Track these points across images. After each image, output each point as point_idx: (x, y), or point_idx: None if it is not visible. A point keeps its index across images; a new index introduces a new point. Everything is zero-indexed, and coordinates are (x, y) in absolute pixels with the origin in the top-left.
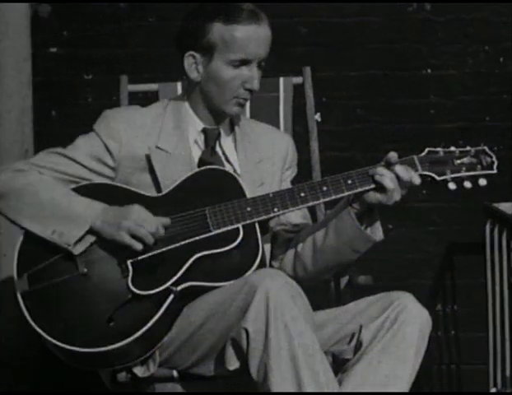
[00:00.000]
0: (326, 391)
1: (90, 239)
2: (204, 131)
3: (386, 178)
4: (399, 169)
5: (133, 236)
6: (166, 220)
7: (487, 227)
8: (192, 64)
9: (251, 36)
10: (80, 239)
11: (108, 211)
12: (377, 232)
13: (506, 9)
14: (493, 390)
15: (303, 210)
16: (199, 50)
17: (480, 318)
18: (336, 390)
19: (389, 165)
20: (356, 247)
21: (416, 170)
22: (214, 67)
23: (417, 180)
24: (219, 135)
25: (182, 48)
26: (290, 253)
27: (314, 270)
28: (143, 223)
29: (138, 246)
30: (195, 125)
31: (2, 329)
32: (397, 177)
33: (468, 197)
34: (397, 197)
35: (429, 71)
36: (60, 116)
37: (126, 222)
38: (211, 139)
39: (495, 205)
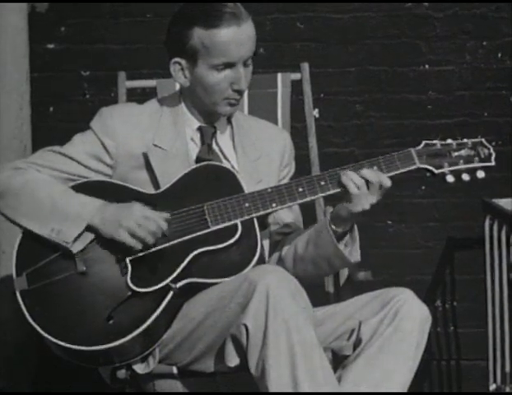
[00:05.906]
0: (323, 388)
1: (89, 236)
2: (200, 129)
3: (351, 183)
4: (367, 172)
5: (133, 236)
6: (167, 216)
7: (487, 223)
8: (178, 71)
9: (232, 40)
10: (78, 237)
11: (107, 208)
12: (354, 253)
13: (505, 5)
14: (493, 386)
15: (295, 212)
16: (184, 56)
17: (479, 313)
18: (334, 387)
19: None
20: (332, 263)
21: (414, 164)
22: (199, 72)
23: (388, 183)
24: (215, 133)
25: (168, 54)
26: (275, 256)
27: (294, 276)
28: (144, 221)
29: (139, 246)
30: (191, 123)
31: (0, 327)
32: (367, 181)
33: (467, 193)
34: (365, 204)
35: (427, 66)
36: (58, 112)
37: (126, 221)
38: (206, 137)
39: (495, 201)
